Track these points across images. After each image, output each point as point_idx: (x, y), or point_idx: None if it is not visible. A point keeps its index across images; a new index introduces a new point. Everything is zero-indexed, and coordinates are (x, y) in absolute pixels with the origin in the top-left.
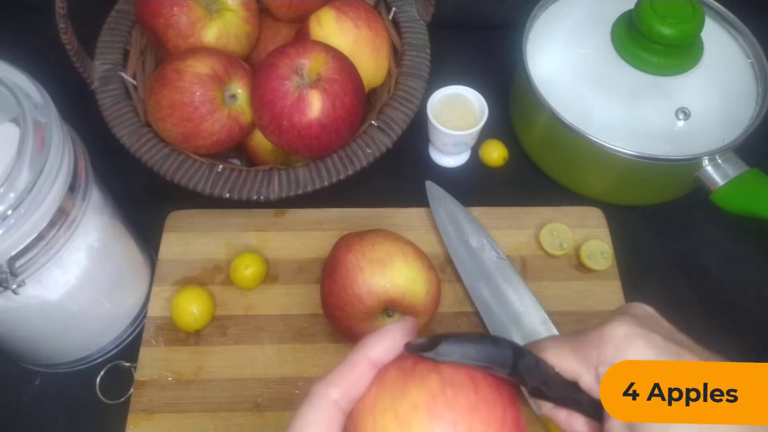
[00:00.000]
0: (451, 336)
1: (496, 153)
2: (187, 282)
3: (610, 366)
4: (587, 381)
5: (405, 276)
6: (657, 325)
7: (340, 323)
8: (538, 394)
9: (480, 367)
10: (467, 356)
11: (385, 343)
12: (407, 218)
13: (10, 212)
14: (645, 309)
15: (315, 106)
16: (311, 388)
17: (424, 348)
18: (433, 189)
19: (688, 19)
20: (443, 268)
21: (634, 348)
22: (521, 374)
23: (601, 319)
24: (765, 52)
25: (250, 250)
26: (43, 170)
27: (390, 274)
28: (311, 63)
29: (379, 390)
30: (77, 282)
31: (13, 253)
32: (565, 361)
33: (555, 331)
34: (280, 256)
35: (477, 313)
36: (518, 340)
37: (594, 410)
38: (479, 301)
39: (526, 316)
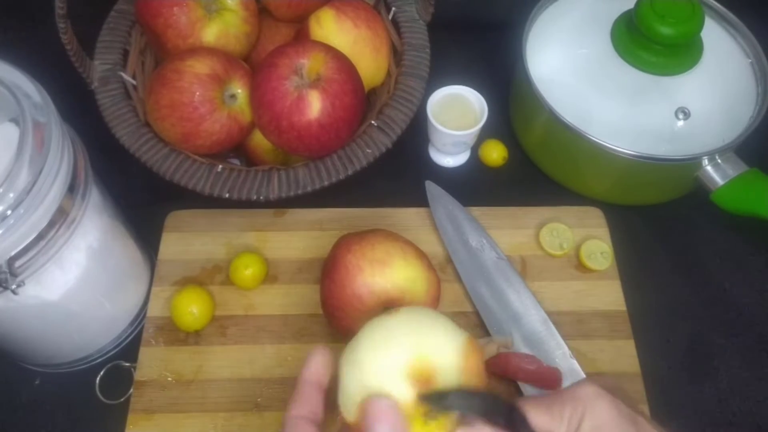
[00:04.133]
0: (458, 392)
1: (495, 153)
2: (187, 282)
3: (579, 420)
4: None
5: (405, 276)
6: (620, 393)
7: (340, 323)
8: None
9: (480, 418)
10: (471, 408)
11: (311, 364)
12: (407, 218)
13: (9, 212)
14: (610, 380)
15: (314, 106)
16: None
17: (436, 399)
18: (432, 189)
19: (687, 19)
20: (443, 268)
21: (600, 406)
22: (514, 426)
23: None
24: (765, 52)
25: (250, 250)
26: (43, 170)
27: (390, 274)
28: (311, 63)
29: None
30: (77, 282)
31: (13, 253)
32: (541, 419)
33: (555, 331)
34: (280, 256)
35: (477, 313)
36: (518, 339)
37: None
38: (479, 301)
39: (526, 316)
